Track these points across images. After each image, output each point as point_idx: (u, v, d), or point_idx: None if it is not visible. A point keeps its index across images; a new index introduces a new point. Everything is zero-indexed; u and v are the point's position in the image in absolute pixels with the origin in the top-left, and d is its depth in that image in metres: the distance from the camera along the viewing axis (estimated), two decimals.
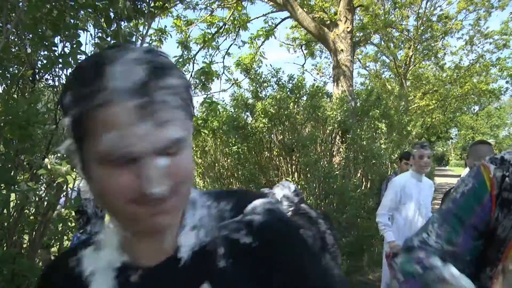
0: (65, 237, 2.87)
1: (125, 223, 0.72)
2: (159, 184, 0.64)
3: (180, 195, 0.70)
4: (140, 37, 2.46)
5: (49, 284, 0.81)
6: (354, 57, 13.91)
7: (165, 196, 0.66)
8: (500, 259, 1.13)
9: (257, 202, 0.82)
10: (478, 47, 22.78)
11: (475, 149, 3.19)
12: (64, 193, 2.58)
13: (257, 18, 11.64)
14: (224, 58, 11.08)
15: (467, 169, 3.49)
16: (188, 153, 0.71)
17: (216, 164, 7.99)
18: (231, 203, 0.82)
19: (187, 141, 0.71)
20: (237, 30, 10.34)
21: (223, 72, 10.94)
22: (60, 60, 2.16)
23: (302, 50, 16.78)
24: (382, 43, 21.90)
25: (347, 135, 7.58)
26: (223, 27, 10.12)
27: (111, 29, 2.35)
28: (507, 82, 25.18)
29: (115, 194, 0.65)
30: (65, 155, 2.37)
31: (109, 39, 2.33)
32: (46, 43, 2.11)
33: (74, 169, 2.80)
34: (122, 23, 2.51)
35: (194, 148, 7.72)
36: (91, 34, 2.55)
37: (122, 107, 0.61)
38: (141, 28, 2.88)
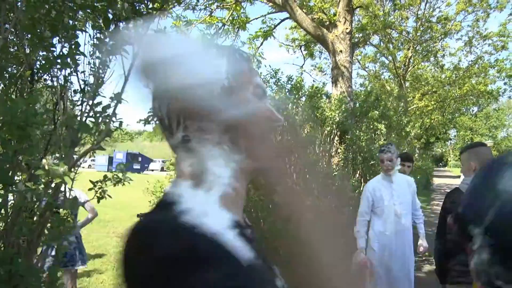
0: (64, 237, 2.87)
1: (263, 159, 0.85)
2: None
3: None
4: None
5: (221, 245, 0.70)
6: (353, 58, 13.90)
7: None
8: None
9: None
10: (477, 48, 22.83)
11: (477, 152, 3.14)
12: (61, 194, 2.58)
13: (256, 19, 11.66)
14: None
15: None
16: None
17: None
18: None
19: None
20: (236, 31, 10.36)
21: None
22: (59, 61, 2.16)
23: (301, 51, 16.80)
24: (381, 44, 21.93)
25: (346, 136, 7.59)
26: (222, 27, 10.12)
27: (110, 30, 2.34)
28: (505, 83, 25.23)
29: (266, 117, 0.86)
30: (63, 155, 2.38)
31: (107, 40, 2.32)
32: (45, 44, 2.11)
33: (72, 170, 2.81)
34: (121, 24, 2.51)
35: None
36: (90, 35, 2.56)
37: None
38: (140, 29, 2.89)
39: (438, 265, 3.36)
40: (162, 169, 44.22)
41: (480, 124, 52.33)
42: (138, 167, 46.63)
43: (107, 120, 2.42)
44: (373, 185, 4.39)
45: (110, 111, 2.52)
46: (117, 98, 2.53)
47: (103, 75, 2.68)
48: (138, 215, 0.83)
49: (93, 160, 48.06)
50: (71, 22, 2.34)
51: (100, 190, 2.98)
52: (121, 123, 2.75)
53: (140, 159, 49.15)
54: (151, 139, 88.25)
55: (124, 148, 58.55)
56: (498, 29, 21.69)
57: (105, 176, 3.02)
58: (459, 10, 20.18)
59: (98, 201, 2.98)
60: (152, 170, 47.72)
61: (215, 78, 0.80)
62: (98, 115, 2.51)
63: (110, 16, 2.30)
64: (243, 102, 0.82)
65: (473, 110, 39.90)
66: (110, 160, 45.65)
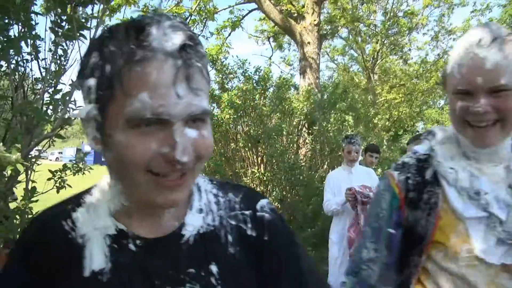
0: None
1: (139, 195, 0.71)
2: (188, 152, 0.65)
3: (196, 172, 0.73)
4: (94, 21, 2.39)
5: (44, 243, 0.77)
6: (322, 50, 13.99)
7: (188, 167, 0.67)
8: (421, 254, 1.28)
9: (264, 202, 0.89)
10: (443, 42, 23.28)
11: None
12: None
13: (225, 9, 11.56)
14: None
15: None
16: (210, 130, 0.72)
17: None
18: (240, 196, 0.88)
19: (209, 117, 0.72)
20: (204, 21, 10.26)
21: None
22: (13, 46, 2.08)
23: (269, 43, 16.77)
24: (350, 37, 22.10)
25: (314, 127, 7.63)
26: (189, 18, 10.00)
27: (66, 14, 2.27)
28: None
29: (137, 160, 0.64)
30: (19, 143, 2.31)
31: (64, 24, 2.26)
32: None
33: (33, 159, 2.73)
34: (80, 8, 2.45)
35: None
36: (51, 21, 2.48)
37: (161, 66, 0.62)
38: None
39: None
40: None
41: (447, 117, 53.46)
42: None
43: (64, 107, 2.35)
44: (334, 176, 4.48)
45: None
46: (75, 84, 2.47)
47: (65, 63, 2.61)
48: (55, 204, 0.85)
49: (61, 153, 47.00)
50: (28, 5, 2.26)
51: (60, 180, 2.92)
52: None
53: None
54: None
55: None
56: (463, 25, 22.20)
57: (64, 166, 2.96)
58: (426, 4, 20.50)
59: (58, 191, 2.91)
60: None
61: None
62: (57, 102, 2.45)
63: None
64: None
65: (439, 103, 40.74)
66: (79, 152, 44.75)
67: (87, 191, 0.84)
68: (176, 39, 0.63)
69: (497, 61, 1.08)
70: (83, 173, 3.02)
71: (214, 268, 0.78)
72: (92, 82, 0.66)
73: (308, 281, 0.86)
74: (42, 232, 0.79)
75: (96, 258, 0.74)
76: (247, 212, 0.86)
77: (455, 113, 1.21)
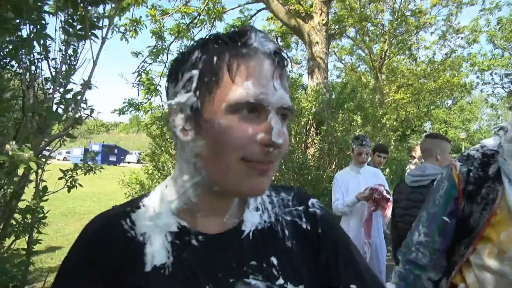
0: (35, 230, 2.80)
1: (228, 181, 0.76)
2: (282, 136, 0.73)
3: (276, 167, 0.79)
4: (107, 20, 2.38)
5: (105, 239, 0.79)
6: (330, 50, 13.94)
7: (277, 155, 0.75)
8: (468, 246, 1.32)
9: (314, 200, 0.98)
10: (451, 41, 23.13)
11: (422, 141, 3.55)
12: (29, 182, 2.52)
13: (233, 9, 11.56)
14: None
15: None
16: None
17: None
18: (292, 194, 0.98)
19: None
20: (212, 21, 10.26)
21: None
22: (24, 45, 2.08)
23: (277, 42, 16.73)
24: (358, 36, 22.03)
25: (322, 127, 7.60)
26: (198, 17, 10.00)
27: (78, 13, 2.27)
28: (477, 77, 25.73)
29: (234, 143, 0.72)
30: (30, 142, 2.31)
31: (75, 24, 2.26)
32: (8, 26, 2.03)
33: (43, 159, 2.73)
34: (90, 7, 2.45)
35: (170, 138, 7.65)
36: (61, 21, 2.48)
37: (262, 62, 0.75)
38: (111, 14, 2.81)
39: (394, 249, 3.65)
40: (138, 161, 43.56)
41: (455, 117, 53.12)
42: (114, 159, 46.02)
43: (75, 107, 2.35)
44: (342, 176, 4.49)
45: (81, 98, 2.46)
46: (87, 84, 2.47)
47: (74, 63, 2.61)
48: (113, 207, 0.89)
49: (68, 152, 47.25)
50: (39, 4, 2.26)
51: (71, 180, 2.92)
52: (92, 110, 2.69)
53: (116, 151, 48.45)
54: (127, 131, 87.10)
55: (100, 140, 57.84)
56: (471, 24, 22.05)
57: (75, 165, 2.97)
58: (434, 3, 20.39)
59: (69, 191, 2.92)
60: (129, 162, 47.11)
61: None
62: (68, 101, 2.45)
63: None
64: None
65: (447, 103, 40.58)
66: (86, 152, 44.88)
67: (145, 195, 0.90)
68: (270, 45, 0.77)
69: None
70: (94, 173, 3.03)
71: (274, 261, 0.84)
72: (195, 72, 0.76)
73: (363, 271, 0.91)
74: (104, 228, 0.82)
75: (158, 254, 0.78)
76: (300, 208, 0.95)
77: None
